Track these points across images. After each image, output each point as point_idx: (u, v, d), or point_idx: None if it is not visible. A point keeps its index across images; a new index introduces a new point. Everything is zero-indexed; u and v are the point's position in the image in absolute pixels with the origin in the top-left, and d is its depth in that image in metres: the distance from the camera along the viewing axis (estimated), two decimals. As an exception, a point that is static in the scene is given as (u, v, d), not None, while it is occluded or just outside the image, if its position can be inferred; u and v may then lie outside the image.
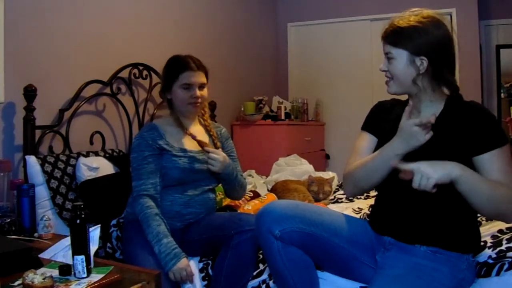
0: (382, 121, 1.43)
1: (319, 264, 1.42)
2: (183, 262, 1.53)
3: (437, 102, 1.31)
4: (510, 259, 1.28)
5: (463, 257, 1.25)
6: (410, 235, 1.28)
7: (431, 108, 1.31)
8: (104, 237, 1.87)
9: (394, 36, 1.29)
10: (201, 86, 1.80)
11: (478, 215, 1.31)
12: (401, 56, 1.28)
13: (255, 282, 1.56)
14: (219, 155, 1.74)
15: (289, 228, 1.29)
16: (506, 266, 1.26)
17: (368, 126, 1.47)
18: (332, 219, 1.38)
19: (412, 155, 1.21)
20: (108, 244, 1.88)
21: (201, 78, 1.79)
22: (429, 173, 1.11)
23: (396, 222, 1.32)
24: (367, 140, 1.44)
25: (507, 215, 1.20)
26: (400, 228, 1.31)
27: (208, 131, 1.90)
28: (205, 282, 1.63)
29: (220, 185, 1.89)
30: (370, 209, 1.47)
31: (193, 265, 1.64)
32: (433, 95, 1.31)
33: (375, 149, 1.38)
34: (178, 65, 1.79)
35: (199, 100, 1.79)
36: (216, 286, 1.57)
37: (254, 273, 1.57)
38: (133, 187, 1.70)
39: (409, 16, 1.30)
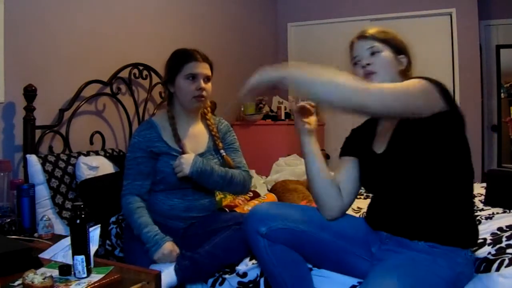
0: (358, 141, 1.50)
1: (312, 261, 1.43)
2: (166, 246, 1.53)
3: None
4: (510, 255, 1.29)
5: (461, 251, 1.25)
6: (407, 231, 1.29)
7: None
8: (104, 235, 1.87)
9: (377, 34, 1.38)
10: (206, 79, 1.73)
11: (476, 212, 1.31)
12: (386, 49, 1.36)
13: (252, 274, 1.55)
14: (181, 158, 1.64)
15: (274, 226, 1.32)
16: (506, 262, 1.26)
17: (346, 150, 1.53)
18: (320, 215, 1.40)
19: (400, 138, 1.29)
20: (108, 242, 1.88)
21: (206, 69, 1.73)
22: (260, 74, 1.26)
23: (392, 219, 1.33)
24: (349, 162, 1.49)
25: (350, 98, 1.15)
26: (396, 225, 1.32)
27: (210, 131, 1.83)
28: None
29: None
30: (368, 205, 1.49)
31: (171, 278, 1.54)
32: None
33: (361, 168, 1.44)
34: (183, 55, 1.74)
35: (204, 93, 1.72)
36: (200, 251, 1.56)
37: (252, 266, 1.56)
38: (123, 185, 1.73)
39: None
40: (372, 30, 1.40)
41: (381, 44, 1.36)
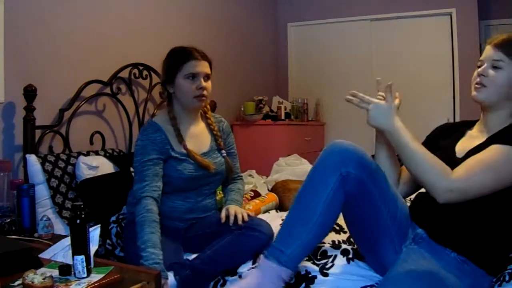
0: (441, 137, 1.46)
1: (350, 224, 1.40)
2: None
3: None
4: (510, 270, 1.27)
5: (486, 276, 1.24)
6: (445, 236, 1.27)
7: (499, 121, 1.33)
8: (104, 234, 1.86)
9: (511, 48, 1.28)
10: (206, 77, 1.71)
11: None
12: (510, 68, 1.28)
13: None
14: (233, 217, 1.65)
15: (353, 173, 1.25)
16: (507, 278, 1.25)
17: (426, 143, 1.48)
18: (393, 190, 1.35)
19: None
20: (108, 241, 1.88)
21: (206, 68, 1.71)
22: (370, 117, 1.36)
23: (437, 218, 1.30)
24: None
25: (425, 185, 1.23)
26: (438, 225, 1.29)
27: (211, 130, 1.82)
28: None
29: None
30: (415, 196, 1.47)
31: (170, 281, 1.50)
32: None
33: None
34: (181, 54, 1.70)
35: (205, 93, 1.69)
36: (201, 256, 1.55)
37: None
38: (136, 189, 1.62)
39: None
40: (508, 38, 1.30)
41: (510, 61, 1.27)
